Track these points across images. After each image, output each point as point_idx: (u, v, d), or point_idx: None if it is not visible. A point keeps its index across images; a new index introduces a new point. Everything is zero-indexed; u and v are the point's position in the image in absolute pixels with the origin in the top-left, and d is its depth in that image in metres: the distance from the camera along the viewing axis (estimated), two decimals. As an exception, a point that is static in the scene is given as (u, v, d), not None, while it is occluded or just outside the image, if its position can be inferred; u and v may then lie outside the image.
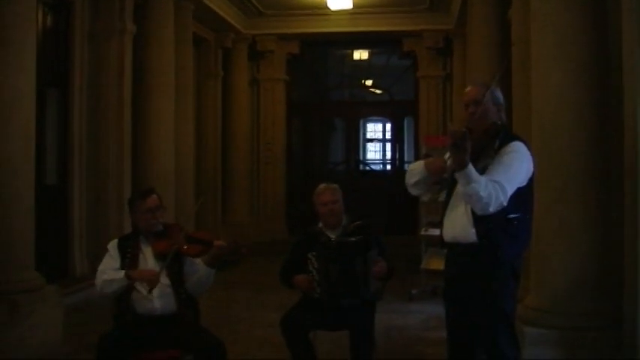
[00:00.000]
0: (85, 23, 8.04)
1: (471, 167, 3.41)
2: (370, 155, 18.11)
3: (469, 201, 3.53)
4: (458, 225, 3.70)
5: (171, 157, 9.06)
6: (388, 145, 15.74)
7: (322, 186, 4.81)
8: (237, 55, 13.02)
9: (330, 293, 4.46)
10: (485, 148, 3.63)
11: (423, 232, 8.29)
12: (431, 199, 8.12)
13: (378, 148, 17.84)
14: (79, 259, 7.93)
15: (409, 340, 6.30)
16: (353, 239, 4.50)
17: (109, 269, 4.19)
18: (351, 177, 13.60)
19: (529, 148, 3.71)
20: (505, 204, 3.48)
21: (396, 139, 14.61)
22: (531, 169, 3.68)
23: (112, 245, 4.31)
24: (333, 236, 4.65)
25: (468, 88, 3.83)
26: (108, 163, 8.15)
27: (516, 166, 3.57)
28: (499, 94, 3.77)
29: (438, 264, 7.20)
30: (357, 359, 4.32)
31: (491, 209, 3.47)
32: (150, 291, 4.06)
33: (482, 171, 3.51)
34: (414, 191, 3.89)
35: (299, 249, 4.74)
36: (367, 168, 15.65)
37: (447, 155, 3.60)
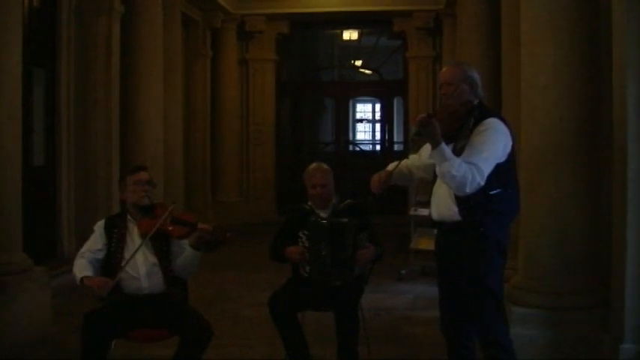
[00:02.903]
0: (72, 1, 7.93)
1: (443, 146, 3.50)
2: (360, 135, 18.14)
3: (444, 180, 3.59)
4: (442, 204, 3.77)
5: (159, 137, 9.02)
6: (378, 126, 15.75)
7: (313, 166, 4.74)
8: (226, 36, 12.93)
9: (319, 272, 4.45)
10: (461, 128, 3.67)
11: (412, 212, 8.30)
12: (422, 178, 8.16)
13: (367, 129, 17.86)
14: (67, 241, 7.89)
15: (398, 320, 6.32)
16: (346, 221, 4.47)
17: (88, 253, 4.19)
18: (340, 157, 13.57)
19: (506, 124, 3.72)
20: (482, 184, 3.52)
21: (386, 120, 14.61)
22: (509, 144, 3.68)
23: (99, 225, 4.31)
24: (323, 215, 4.63)
25: (443, 70, 3.96)
26: (96, 143, 8.08)
27: (491, 144, 3.58)
28: (473, 73, 3.81)
29: (427, 244, 7.21)
30: (343, 340, 4.32)
31: (468, 190, 3.52)
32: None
33: (460, 151, 3.56)
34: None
35: (289, 226, 4.73)
36: (357, 148, 15.65)
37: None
